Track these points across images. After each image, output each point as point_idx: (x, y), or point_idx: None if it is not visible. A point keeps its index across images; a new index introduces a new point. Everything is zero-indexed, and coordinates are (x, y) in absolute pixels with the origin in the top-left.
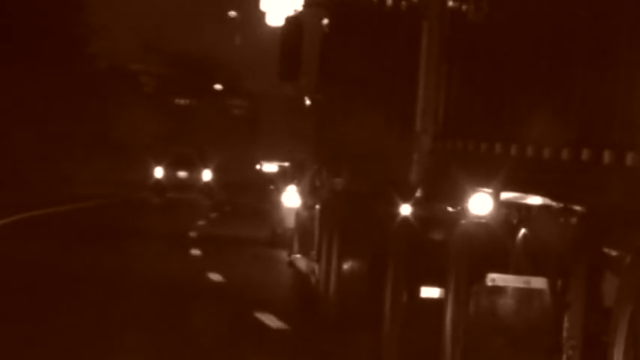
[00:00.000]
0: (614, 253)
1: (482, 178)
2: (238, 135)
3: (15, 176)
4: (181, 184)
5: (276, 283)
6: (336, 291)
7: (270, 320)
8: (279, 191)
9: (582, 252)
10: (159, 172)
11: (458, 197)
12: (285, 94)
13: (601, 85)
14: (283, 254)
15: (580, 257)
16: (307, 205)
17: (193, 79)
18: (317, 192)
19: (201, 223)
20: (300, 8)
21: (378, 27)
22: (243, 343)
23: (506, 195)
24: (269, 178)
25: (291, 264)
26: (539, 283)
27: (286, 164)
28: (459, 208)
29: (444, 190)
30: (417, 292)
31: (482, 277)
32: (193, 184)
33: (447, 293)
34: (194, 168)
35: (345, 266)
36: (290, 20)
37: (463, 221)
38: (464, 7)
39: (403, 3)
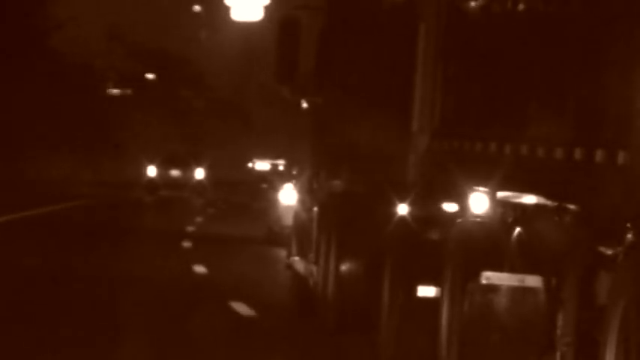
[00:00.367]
0: (607, 251)
1: (479, 178)
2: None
3: None
4: (174, 183)
5: (275, 284)
6: (334, 293)
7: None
8: (274, 189)
9: (576, 250)
10: (152, 171)
11: (454, 197)
12: (279, 93)
13: (594, 84)
14: (281, 253)
15: (574, 256)
16: (305, 207)
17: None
18: (315, 193)
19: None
20: (267, 3)
21: (375, 28)
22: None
23: (502, 194)
24: (261, 176)
25: (290, 266)
26: (533, 281)
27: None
28: (455, 207)
29: (440, 189)
30: (414, 291)
31: (478, 276)
32: (186, 182)
33: (442, 292)
34: (187, 166)
35: (343, 268)
36: (286, 21)
37: (459, 220)
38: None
39: (400, 4)
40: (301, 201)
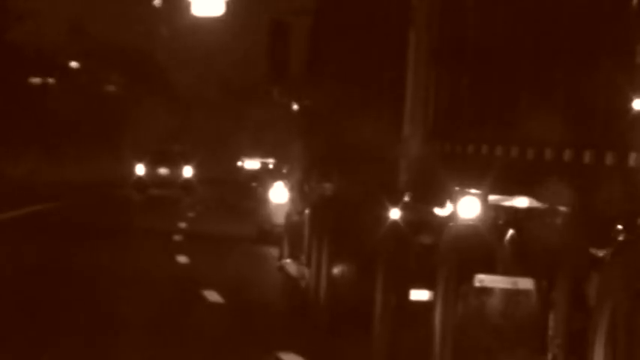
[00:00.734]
0: (598, 253)
1: (470, 181)
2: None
3: None
4: (162, 181)
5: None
6: (327, 295)
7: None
8: (264, 188)
9: (567, 252)
10: (140, 170)
11: (446, 200)
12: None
13: (583, 87)
14: (272, 251)
15: (565, 258)
16: (297, 209)
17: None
18: (306, 196)
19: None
20: None
21: (365, 32)
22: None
23: (493, 197)
24: (251, 175)
25: (282, 269)
26: (526, 283)
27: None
28: (447, 211)
29: (432, 193)
30: (407, 294)
31: (471, 279)
32: (174, 180)
33: (436, 295)
34: (175, 165)
35: (336, 271)
36: (276, 24)
37: (451, 224)
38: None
39: (391, 8)
40: (293, 202)
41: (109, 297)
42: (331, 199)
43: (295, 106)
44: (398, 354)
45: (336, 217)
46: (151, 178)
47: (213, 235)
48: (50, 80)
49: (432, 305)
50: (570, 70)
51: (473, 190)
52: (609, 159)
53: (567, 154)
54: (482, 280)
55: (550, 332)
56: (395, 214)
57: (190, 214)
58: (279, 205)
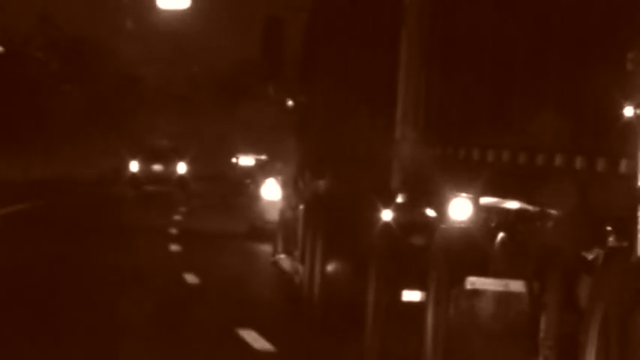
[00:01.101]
0: (589, 255)
1: (462, 184)
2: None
3: None
4: (156, 178)
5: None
6: (320, 292)
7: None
8: (257, 184)
9: (558, 255)
10: (134, 166)
11: (438, 202)
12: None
13: (575, 92)
14: (264, 248)
15: (556, 260)
16: (291, 205)
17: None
18: (300, 193)
19: (180, 215)
20: None
21: (359, 32)
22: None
23: (485, 200)
24: (246, 172)
25: (276, 264)
26: (517, 286)
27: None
28: (439, 213)
29: (424, 195)
30: (399, 295)
31: (462, 281)
32: (168, 177)
33: (427, 296)
34: (169, 161)
35: (329, 268)
36: (271, 20)
37: (443, 226)
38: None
39: (383, 9)
40: (287, 198)
41: (104, 294)
42: (325, 197)
43: (290, 103)
44: (390, 353)
45: (330, 215)
46: (145, 175)
47: (205, 232)
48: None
49: (424, 306)
50: (562, 75)
51: (465, 193)
52: (600, 165)
53: (559, 159)
54: (473, 282)
55: (541, 334)
56: (387, 215)
57: (182, 210)
58: (271, 202)
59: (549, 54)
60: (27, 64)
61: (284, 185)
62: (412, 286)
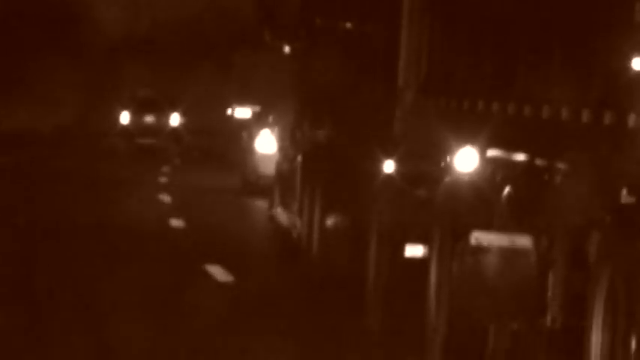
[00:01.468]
0: (599, 210)
1: (468, 134)
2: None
3: None
4: (148, 130)
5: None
6: (319, 246)
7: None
8: (251, 137)
9: (567, 209)
10: (125, 118)
11: (442, 153)
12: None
13: (582, 43)
14: (259, 203)
15: (564, 215)
16: (288, 157)
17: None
18: (298, 143)
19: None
20: None
21: None
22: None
23: (491, 151)
24: (242, 124)
25: (272, 218)
26: (524, 242)
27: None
28: (443, 164)
29: (428, 146)
30: (402, 250)
31: (467, 236)
32: (161, 129)
33: (431, 251)
34: (161, 112)
35: (328, 221)
36: None
37: (448, 178)
38: None
39: None
40: (283, 149)
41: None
42: (324, 147)
43: (287, 49)
44: (391, 310)
45: (329, 166)
46: (137, 127)
47: (196, 188)
48: None
49: (427, 262)
50: (569, 26)
51: (470, 144)
52: (608, 118)
53: (565, 112)
54: (478, 237)
55: (549, 293)
56: (389, 166)
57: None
58: (265, 155)
59: (556, 3)
60: None
61: (280, 137)
62: (415, 241)
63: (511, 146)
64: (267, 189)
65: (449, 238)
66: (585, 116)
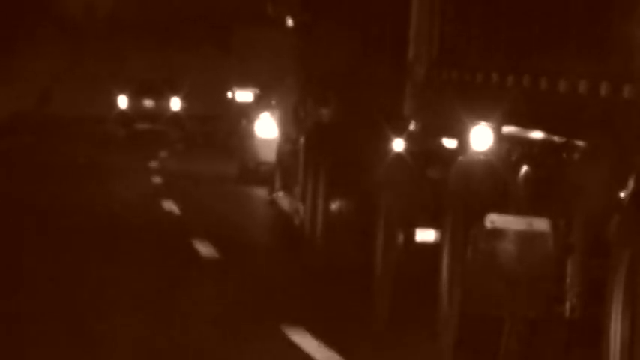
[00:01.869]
0: (620, 192)
1: (482, 111)
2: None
3: None
4: (148, 115)
5: (254, 224)
6: (323, 233)
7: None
8: (250, 121)
9: (587, 191)
10: (123, 102)
11: (455, 131)
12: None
13: (599, 15)
14: (258, 191)
15: (584, 197)
16: (290, 138)
17: None
18: (301, 123)
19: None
20: None
21: None
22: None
23: (507, 129)
24: (243, 108)
25: (273, 203)
26: (541, 225)
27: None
28: (456, 142)
29: (440, 123)
30: (412, 235)
31: (482, 219)
32: (161, 114)
33: (443, 236)
34: (161, 96)
35: (333, 206)
36: None
37: (461, 157)
38: None
39: None
40: (285, 131)
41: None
42: (329, 126)
43: (290, 23)
44: (401, 299)
45: (334, 147)
46: (135, 111)
47: (192, 176)
48: None
49: (439, 247)
50: None
51: (484, 121)
52: (627, 91)
53: (583, 85)
54: (493, 220)
55: (568, 279)
56: (399, 145)
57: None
58: (265, 141)
59: None
60: None
61: (281, 120)
62: (426, 225)
63: (527, 123)
64: (268, 177)
65: (462, 221)
66: (604, 89)
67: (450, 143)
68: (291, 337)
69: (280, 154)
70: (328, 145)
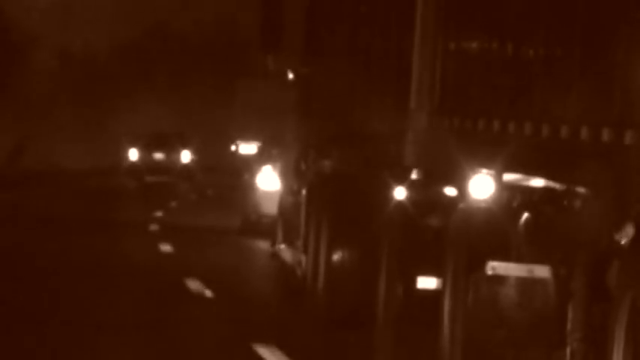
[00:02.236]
0: (620, 238)
1: (483, 159)
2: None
3: None
4: (158, 167)
5: (258, 276)
6: (325, 284)
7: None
8: (252, 173)
9: (587, 238)
10: (134, 154)
11: (456, 179)
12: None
13: (601, 61)
14: (260, 244)
15: (585, 244)
16: (292, 190)
17: None
18: (303, 175)
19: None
20: None
21: None
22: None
23: (508, 177)
24: (246, 161)
25: (275, 255)
26: (542, 271)
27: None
28: (457, 191)
29: (441, 171)
30: (413, 282)
31: (483, 266)
32: (172, 166)
33: (444, 283)
34: (172, 149)
35: (335, 257)
36: None
37: (462, 205)
38: None
39: None
40: (287, 183)
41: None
42: (330, 178)
43: (291, 76)
44: (403, 347)
45: (336, 198)
46: (146, 164)
47: (194, 228)
48: None
49: (441, 294)
50: (587, 42)
51: (485, 169)
52: (629, 138)
53: (584, 132)
54: (494, 267)
55: (569, 325)
56: (400, 193)
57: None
58: (267, 193)
59: (574, 18)
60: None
61: (282, 172)
62: (428, 272)
63: (528, 170)
64: (270, 229)
65: (464, 267)
66: (605, 136)
67: (451, 191)
68: None
69: (282, 206)
70: (330, 197)
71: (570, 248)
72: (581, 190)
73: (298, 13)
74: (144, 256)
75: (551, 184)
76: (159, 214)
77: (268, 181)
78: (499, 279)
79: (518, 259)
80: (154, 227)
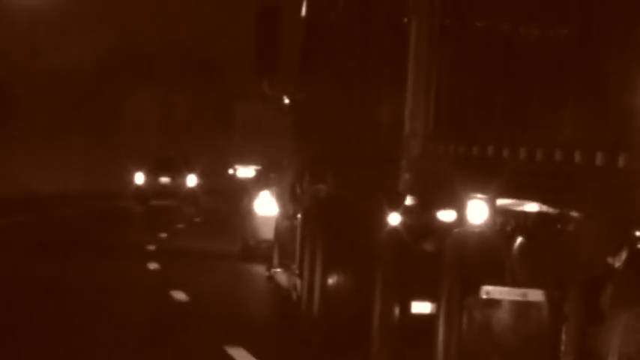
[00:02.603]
0: (614, 262)
1: (477, 184)
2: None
3: None
4: (164, 191)
5: (253, 300)
6: (320, 308)
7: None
8: (251, 198)
9: (581, 262)
10: (139, 179)
11: (450, 205)
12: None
13: (593, 84)
14: (257, 268)
15: (579, 267)
16: (287, 215)
17: None
18: (298, 199)
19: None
20: None
21: (364, 21)
22: None
23: (501, 202)
24: (244, 185)
25: (271, 279)
26: (536, 295)
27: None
28: (451, 216)
29: (435, 197)
30: (408, 307)
31: (477, 290)
32: (177, 190)
33: (438, 307)
34: (177, 173)
35: (330, 281)
36: (266, 10)
37: (456, 230)
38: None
39: None
40: (283, 208)
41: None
42: (325, 202)
43: (287, 101)
44: None
45: (331, 222)
46: (151, 188)
47: (192, 253)
48: None
49: (435, 319)
50: (581, 67)
51: (479, 194)
52: (622, 161)
53: (578, 156)
54: (489, 291)
55: (562, 348)
56: (395, 219)
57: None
58: (265, 218)
59: (568, 43)
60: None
61: (279, 196)
62: (422, 297)
63: (522, 195)
64: (268, 253)
65: (458, 292)
66: (599, 159)
67: (445, 216)
68: None
69: (278, 230)
70: (325, 221)
71: (564, 272)
72: (574, 213)
73: (293, 38)
74: (141, 279)
75: (545, 208)
76: (163, 235)
77: (266, 206)
78: (493, 303)
79: (513, 283)
80: (151, 248)
